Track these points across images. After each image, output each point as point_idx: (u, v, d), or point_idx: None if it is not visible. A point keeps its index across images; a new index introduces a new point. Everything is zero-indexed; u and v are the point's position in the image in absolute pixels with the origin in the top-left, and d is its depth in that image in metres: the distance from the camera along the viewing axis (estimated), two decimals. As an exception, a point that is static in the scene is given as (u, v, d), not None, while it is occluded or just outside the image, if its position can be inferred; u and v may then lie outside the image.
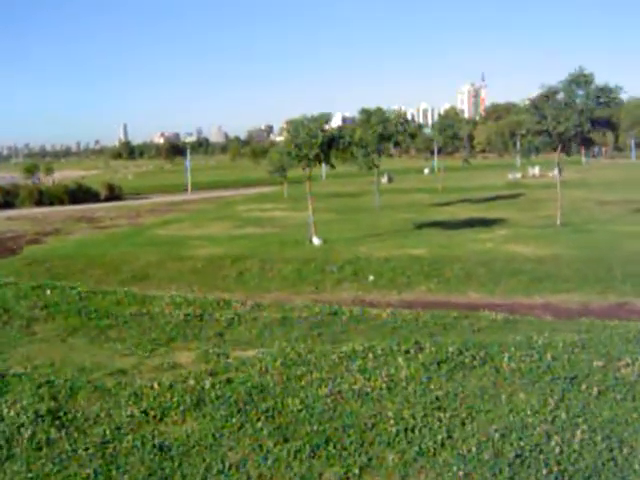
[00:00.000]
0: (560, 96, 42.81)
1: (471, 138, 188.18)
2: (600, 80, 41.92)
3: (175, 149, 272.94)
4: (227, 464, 10.48)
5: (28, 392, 13.83)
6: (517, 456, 10.07)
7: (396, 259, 35.68)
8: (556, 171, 53.51)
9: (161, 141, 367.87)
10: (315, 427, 11.39)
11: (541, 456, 10.03)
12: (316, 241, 41.92)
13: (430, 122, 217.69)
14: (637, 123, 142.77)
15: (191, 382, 13.68)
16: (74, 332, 21.23)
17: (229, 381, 13.62)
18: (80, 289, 27.18)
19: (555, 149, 45.57)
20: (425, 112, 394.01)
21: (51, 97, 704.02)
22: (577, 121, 41.23)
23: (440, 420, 11.31)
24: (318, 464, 10.33)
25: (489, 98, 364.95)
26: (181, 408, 12.52)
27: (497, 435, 10.64)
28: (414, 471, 10.02)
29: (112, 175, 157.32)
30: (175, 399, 12.89)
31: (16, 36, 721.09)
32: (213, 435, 11.44)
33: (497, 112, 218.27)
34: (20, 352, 18.48)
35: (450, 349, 14.12)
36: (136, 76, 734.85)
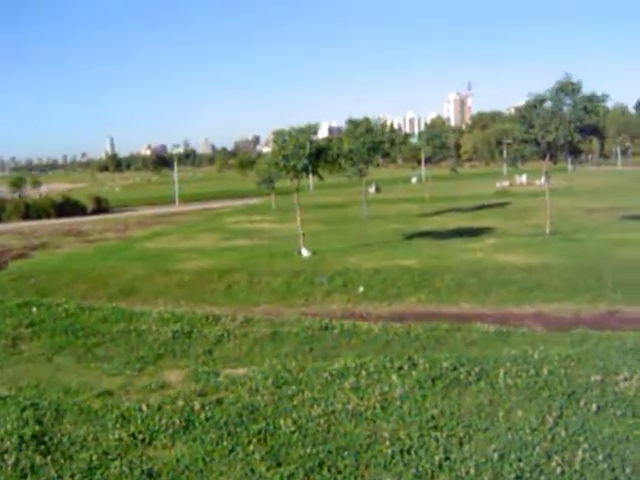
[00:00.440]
0: (547, 104, 42.74)
1: (458, 147, 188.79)
2: (586, 88, 42.01)
3: (162, 161, 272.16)
4: (218, 490, 10.15)
5: (12, 415, 13.46)
6: (517, 478, 9.79)
7: (386, 270, 35.42)
8: (544, 179, 53.52)
9: (148, 153, 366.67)
10: (308, 450, 11.06)
11: (542, 477, 9.75)
12: (305, 253, 41.61)
13: (417, 131, 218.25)
14: (622, 130, 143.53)
15: (180, 403, 13.32)
16: (60, 350, 20.81)
17: (219, 402, 13.28)
18: (67, 306, 26.77)
19: (543, 158, 45.51)
20: (412, 121, 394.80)
21: (37, 110, 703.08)
22: (566, 131, 41.15)
23: (437, 440, 11.01)
24: (313, 489, 10.00)
25: (475, 107, 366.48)
26: (170, 431, 12.17)
27: (496, 455, 10.34)
28: (412, 494, 9.71)
29: (99, 188, 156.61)
30: (164, 421, 12.54)
31: (1, 49, 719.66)
32: (203, 459, 11.10)
33: (483, 121, 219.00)
34: (5, 373, 18.11)
35: (444, 365, 13.81)
36: (123, 89, 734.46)
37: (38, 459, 11.46)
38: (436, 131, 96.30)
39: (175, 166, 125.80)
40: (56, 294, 33.39)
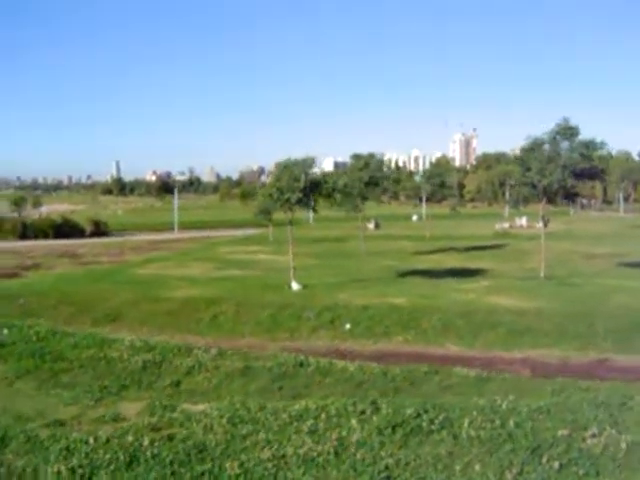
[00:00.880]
0: (546, 147, 42.45)
1: (461, 186, 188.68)
2: (590, 133, 41.76)
3: (166, 187, 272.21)
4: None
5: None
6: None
7: (375, 307, 34.85)
8: (541, 223, 53.06)
9: (153, 179, 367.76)
10: (250, 496, 10.41)
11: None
12: (295, 286, 41.05)
13: (421, 169, 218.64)
14: (626, 176, 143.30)
15: (129, 438, 12.69)
16: (25, 375, 20.26)
17: (170, 438, 12.64)
18: (38, 329, 26.19)
19: (541, 200, 45.18)
20: (417, 159, 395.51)
21: (45, 131, 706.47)
22: (561, 175, 40.81)
23: (387, 492, 10.35)
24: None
25: (481, 147, 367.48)
26: (112, 467, 11.54)
27: (447, 512, 9.69)
28: None
29: (101, 211, 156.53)
30: (108, 456, 11.90)
31: (13, 71, 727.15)
32: (140, 500, 10.47)
33: (487, 161, 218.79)
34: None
35: (408, 411, 13.11)
36: (131, 114, 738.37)
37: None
38: (437, 170, 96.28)
39: (176, 193, 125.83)
40: (42, 315, 33.09)
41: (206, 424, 13.22)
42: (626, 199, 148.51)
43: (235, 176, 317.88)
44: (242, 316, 34.74)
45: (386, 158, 70.60)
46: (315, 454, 11.31)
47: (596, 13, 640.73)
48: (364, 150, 61.37)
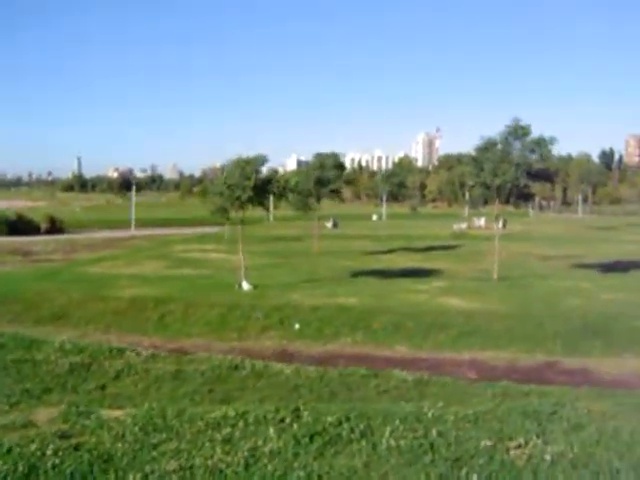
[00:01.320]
0: (499, 147, 42.41)
1: (423, 187, 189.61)
2: (552, 134, 41.79)
3: (127, 184, 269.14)
4: None
5: None
6: None
7: (325, 308, 34.43)
8: (499, 223, 53.18)
9: (115, 175, 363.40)
10: (148, 510, 9.71)
11: None
12: (245, 286, 40.46)
13: (384, 169, 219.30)
14: (585, 178, 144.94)
15: (33, 446, 11.83)
16: (-58, 379, 19.31)
17: (77, 447, 11.80)
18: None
19: (501, 201, 45.21)
20: (380, 159, 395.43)
21: (4, 127, 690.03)
22: (514, 175, 40.79)
23: (294, 507, 9.73)
24: None
25: (446, 148, 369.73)
26: (8, 479, 10.72)
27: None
28: None
29: (60, 207, 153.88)
30: (6, 467, 11.03)
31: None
32: (31, 517, 9.70)
33: (449, 162, 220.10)
34: None
35: (329, 419, 12.49)
36: (92, 110, 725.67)
37: None
38: (396, 170, 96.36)
39: (133, 190, 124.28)
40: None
41: (117, 432, 12.43)
42: (585, 200, 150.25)
43: (198, 173, 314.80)
44: (190, 316, 34.20)
45: (349, 158, 70.39)
46: (224, 465, 10.61)
47: (558, 10, 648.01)
48: (329, 149, 61.27)
